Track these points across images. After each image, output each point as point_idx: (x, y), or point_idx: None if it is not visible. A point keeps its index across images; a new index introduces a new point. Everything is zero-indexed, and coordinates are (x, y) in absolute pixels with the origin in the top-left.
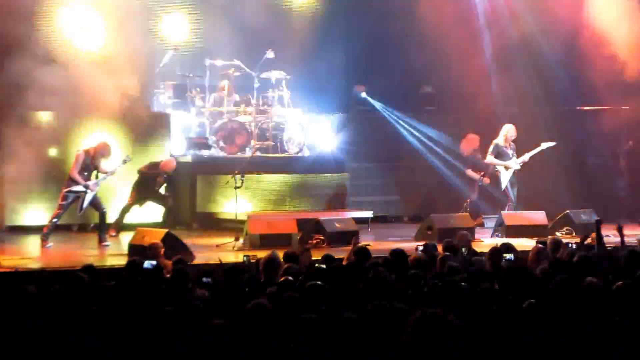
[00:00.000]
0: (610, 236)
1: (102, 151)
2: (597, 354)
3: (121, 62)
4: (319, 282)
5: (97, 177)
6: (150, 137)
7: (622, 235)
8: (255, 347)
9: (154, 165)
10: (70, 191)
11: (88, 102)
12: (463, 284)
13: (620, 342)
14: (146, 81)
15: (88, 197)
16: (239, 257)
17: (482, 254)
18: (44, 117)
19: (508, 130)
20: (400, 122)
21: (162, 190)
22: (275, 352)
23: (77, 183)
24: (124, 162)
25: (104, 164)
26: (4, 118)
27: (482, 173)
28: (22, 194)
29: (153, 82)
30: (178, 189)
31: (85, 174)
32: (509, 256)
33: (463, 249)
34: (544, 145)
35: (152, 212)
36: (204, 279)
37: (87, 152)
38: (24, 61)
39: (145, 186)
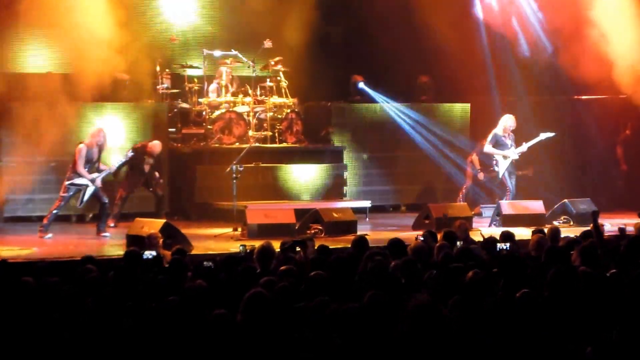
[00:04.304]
0: (608, 225)
1: (97, 137)
2: (592, 342)
3: (122, 51)
4: (319, 272)
5: (98, 170)
6: (151, 127)
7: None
8: (255, 337)
9: (143, 146)
10: (72, 184)
11: (87, 90)
12: (460, 273)
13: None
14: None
15: (89, 191)
16: (237, 247)
17: (479, 242)
18: (43, 107)
19: (507, 120)
20: (398, 111)
21: (150, 176)
22: (275, 342)
23: (79, 176)
24: (126, 157)
25: (103, 155)
26: (2, 108)
27: (483, 168)
28: (21, 184)
29: (153, 72)
30: (176, 179)
31: (87, 168)
32: (501, 245)
33: (458, 242)
34: (543, 135)
35: (149, 202)
36: (205, 263)
37: (88, 145)
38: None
39: (135, 171)
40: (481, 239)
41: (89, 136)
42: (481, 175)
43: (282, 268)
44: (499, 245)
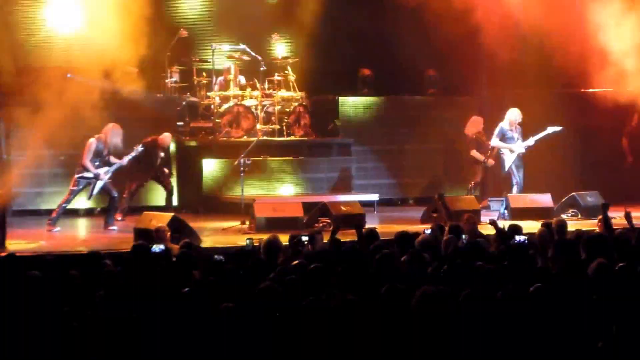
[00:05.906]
0: (617, 218)
1: (111, 133)
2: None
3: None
4: (318, 265)
5: (109, 164)
6: (160, 121)
7: (630, 222)
8: (264, 330)
9: (154, 140)
10: (82, 177)
11: (97, 84)
12: (469, 265)
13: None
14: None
15: (99, 184)
16: (245, 241)
17: (487, 236)
18: (52, 101)
19: (513, 114)
20: (405, 105)
21: (160, 170)
22: (282, 336)
23: (89, 170)
24: (136, 151)
25: (115, 149)
26: (13, 102)
27: (487, 155)
28: (30, 178)
29: (161, 66)
30: (184, 172)
31: (97, 161)
32: (520, 238)
33: (464, 235)
34: (550, 129)
35: (157, 196)
36: (216, 257)
37: (99, 138)
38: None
39: (147, 164)
40: (491, 233)
41: (101, 131)
42: (490, 162)
43: (293, 263)
44: (517, 237)
